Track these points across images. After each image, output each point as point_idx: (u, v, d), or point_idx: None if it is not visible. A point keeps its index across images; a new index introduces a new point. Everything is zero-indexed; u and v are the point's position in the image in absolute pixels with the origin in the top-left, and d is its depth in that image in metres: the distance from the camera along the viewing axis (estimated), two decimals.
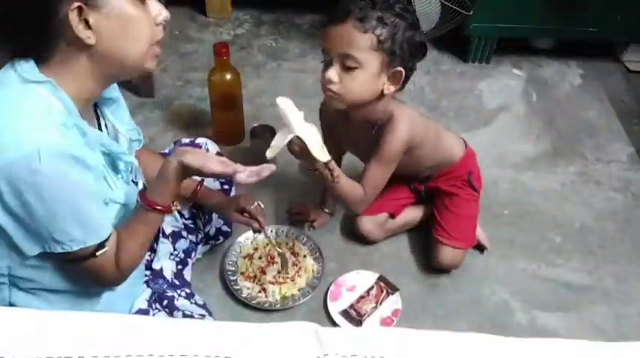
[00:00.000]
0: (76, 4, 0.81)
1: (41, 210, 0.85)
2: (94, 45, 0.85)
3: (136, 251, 1.03)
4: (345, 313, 1.38)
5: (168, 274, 1.28)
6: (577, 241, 1.60)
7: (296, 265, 1.45)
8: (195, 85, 2.03)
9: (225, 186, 1.46)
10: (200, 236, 1.42)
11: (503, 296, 1.45)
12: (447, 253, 1.45)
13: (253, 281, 1.41)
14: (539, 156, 1.86)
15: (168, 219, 1.33)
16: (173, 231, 1.33)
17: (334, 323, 1.36)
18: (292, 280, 1.42)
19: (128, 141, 1.09)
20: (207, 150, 1.43)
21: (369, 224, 1.51)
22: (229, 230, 1.52)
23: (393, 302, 1.40)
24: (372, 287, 1.42)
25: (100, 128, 1.03)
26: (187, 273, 1.37)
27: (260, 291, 1.40)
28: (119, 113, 1.08)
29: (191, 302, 1.27)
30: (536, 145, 1.90)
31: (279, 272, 1.42)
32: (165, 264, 1.29)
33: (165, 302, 1.22)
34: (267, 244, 1.47)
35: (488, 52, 2.23)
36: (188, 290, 1.31)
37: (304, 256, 1.48)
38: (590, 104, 2.10)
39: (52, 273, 0.98)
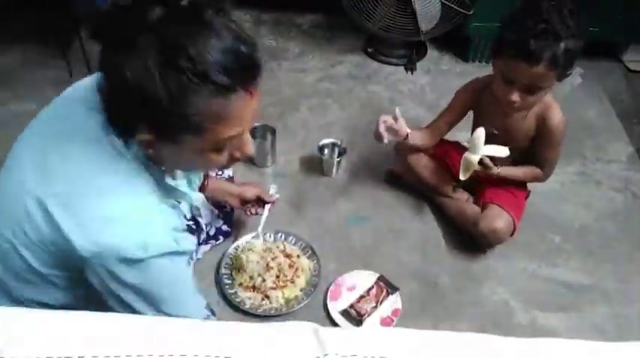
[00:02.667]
0: (146, 136, 0.78)
1: (135, 290, 0.84)
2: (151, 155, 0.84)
3: None
4: (345, 313, 1.38)
5: None
6: (577, 241, 1.61)
7: (292, 266, 1.45)
8: None
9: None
10: (202, 237, 1.42)
11: (503, 296, 1.46)
12: (495, 214, 1.46)
13: (253, 291, 1.40)
14: None
15: None
16: None
17: (334, 323, 1.36)
18: (292, 282, 1.41)
19: (184, 173, 1.03)
20: None
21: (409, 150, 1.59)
22: (229, 229, 1.52)
23: (393, 302, 1.40)
24: (372, 287, 1.42)
25: None
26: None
27: (263, 299, 1.39)
28: None
29: None
30: None
31: (277, 277, 1.42)
32: None
33: None
34: (265, 250, 1.46)
35: (488, 52, 2.22)
36: None
37: (298, 256, 1.47)
38: (590, 104, 2.10)
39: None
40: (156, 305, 0.87)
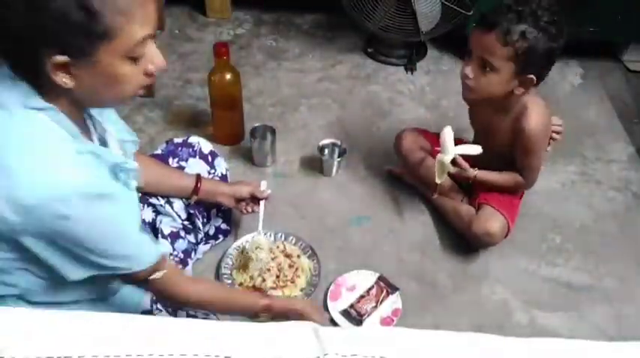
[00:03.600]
0: (60, 59, 0.75)
1: (77, 247, 0.83)
2: (72, 88, 0.80)
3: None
4: (345, 313, 1.38)
5: None
6: (577, 241, 1.61)
7: (292, 266, 1.45)
8: (195, 84, 2.03)
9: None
10: (200, 236, 1.42)
11: (504, 296, 1.46)
12: (488, 216, 1.45)
13: (253, 291, 1.40)
14: None
15: (166, 220, 1.34)
16: (171, 232, 1.33)
17: (334, 323, 1.36)
18: (292, 282, 1.41)
19: (120, 142, 1.02)
20: (200, 149, 1.43)
21: (410, 139, 1.63)
22: (229, 228, 1.52)
23: (393, 302, 1.40)
24: (372, 286, 1.42)
25: (89, 134, 0.98)
26: (188, 274, 1.37)
27: None
28: (106, 113, 1.01)
29: None
30: None
31: (277, 277, 1.42)
32: None
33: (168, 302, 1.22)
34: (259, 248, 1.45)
35: None
36: None
37: (298, 256, 1.47)
38: (590, 104, 2.10)
39: (72, 289, 0.95)
40: (103, 254, 0.86)
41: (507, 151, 1.43)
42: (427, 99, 2.08)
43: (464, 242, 1.56)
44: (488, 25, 1.24)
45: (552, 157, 1.86)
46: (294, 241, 1.51)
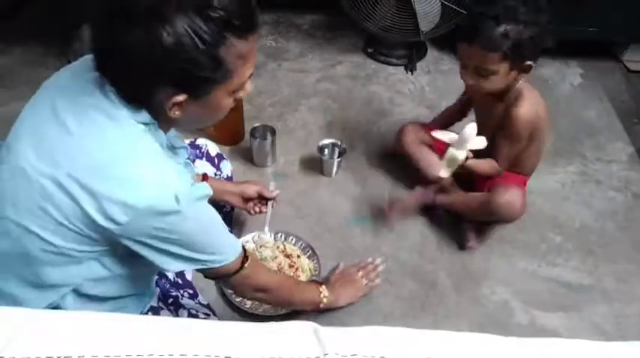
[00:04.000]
0: (181, 98, 0.82)
1: (180, 242, 0.89)
2: (175, 117, 0.87)
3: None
4: None
5: (169, 274, 1.28)
6: (577, 241, 1.61)
7: (292, 266, 1.45)
8: None
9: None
10: None
11: (504, 296, 1.46)
12: (505, 188, 1.43)
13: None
14: None
15: None
16: None
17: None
18: None
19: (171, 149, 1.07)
20: (207, 151, 1.44)
21: (411, 134, 1.64)
22: (230, 229, 1.52)
23: None
24: None
25: None
26: (188, 274, 1.37)
27: None
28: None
29: (195, 302, 1.28)
30: None
31: None
32: None
33: (170, 300, 1.22)
34: (263, 247, 1.46)
35: None
36: (191, 291, 1.31)
37: (298, 256, 1.47)
38: (590, 104, 2.10)
39: (122, 284, 1.00)
40: (201, 249, 0.93)
41: (494, 139, 1.42)
42: (427, 99, 2.08)
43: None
44: (469, 39, 1.25)
45: (552, 157, 1.86)
46: (294, 241, 1.51)
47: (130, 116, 0.84)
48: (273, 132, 1.75)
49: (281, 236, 1.52)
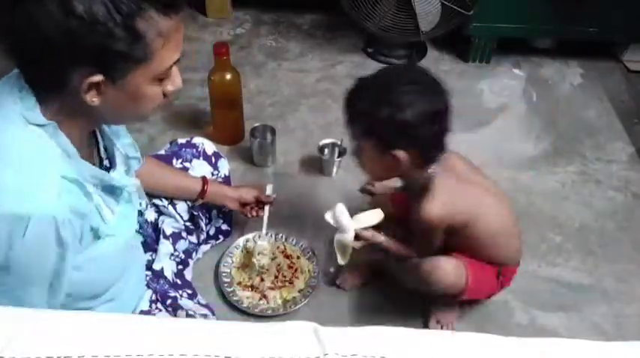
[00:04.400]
0: (97, 78, 0.77)
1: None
2: (96, 105, 0.81)
3: None
4: None
5: (168, 274, 1.28)
6: (577, 241, 1.61)
7: (291, 267, 1.45)
8: (195, 84, 2.03)
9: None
10: (202, 237, 1.42)
11: (503, 296, 1.45)
12: (448, 259, 1.24)
13: (252, 290, 1.40)
14: (539, 156, 1.87)
15: (168, 220, 1.34)
16: (173, 232, 1.34)
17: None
18: (291, 283, 1.41)
19: (124, 157, 1.03)
20: (204, 150, 1.43)
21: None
22: (229, 229, 1.52)
23: None
24: None
25: (97, 146, 1.00)
26: (188, 274, 1.37)
27: (261, 299, 1.39)
28: (116, 126, 1.03)
29: (194, 303, 1.28)
30: (536, 145, 1.90)
31: (276, 277, 1.42)
32: (166, 265, 1.29)
33: (168, 301, 1.22)
34: (259, 253, 1.45)
35: (488, 52, 2.23)
36: (190, 291, 1.31)
37: (298, 257, 1.47)
38: (590, 104, 2.10)
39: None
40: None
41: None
42: None
43: None
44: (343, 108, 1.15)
45: (552, 157, 1.86)
46: (294, 242, 1.51)
47: (24, 116, 0.79)
48: (273, 132, 1.74)
49: (281, 236, 1.51)
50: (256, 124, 1.75)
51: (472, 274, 1.24)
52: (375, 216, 1.20)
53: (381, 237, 1.25)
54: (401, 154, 1.11)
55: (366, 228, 1.22)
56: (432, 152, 1.15)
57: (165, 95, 0.87)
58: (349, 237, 1.19)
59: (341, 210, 1.19)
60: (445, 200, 1.16)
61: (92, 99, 0.80)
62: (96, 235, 0.90)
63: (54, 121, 0.81)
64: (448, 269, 1.22)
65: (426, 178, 1.17)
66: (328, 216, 1.21)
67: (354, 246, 1.22)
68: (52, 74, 0.78)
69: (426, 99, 1.10)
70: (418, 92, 1.10)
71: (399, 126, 1.08)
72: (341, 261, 1.23)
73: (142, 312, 1.18)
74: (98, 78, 0.77)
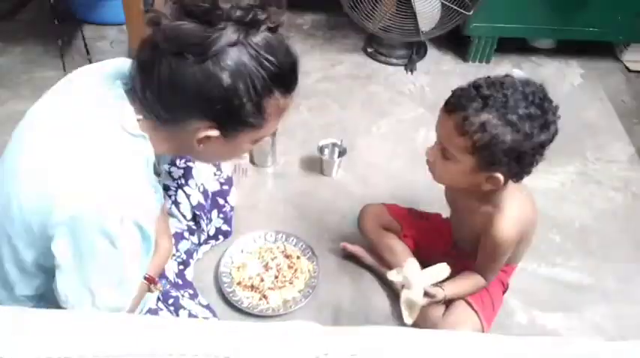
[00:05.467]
0: (213, 133, 0.87)
1: (91, 265, 0.85)
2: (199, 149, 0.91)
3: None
4: None
5: (170, 274, 1.29)
6: (577, 241, 1.61)
7: (291, 267, 1.45)
8: None
9: (225, 187, 1.46)
10: (203, 237, 1.42)
11: (503, 296, 1.45)
12: (460, 316, 1.24)
13: (252, 290, 1.40)
14: None
15: (171, 220, 1.34)
16: (176, 232, 1.34)
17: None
18: (291, 283, 1.41)
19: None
20: None
21: (370, 220, 1.46)
22: (229, 229, 1.52)
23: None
24: None
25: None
26: (189, 274, 1.37)
27: (261, 299, 1.39)
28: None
29: (195, 303, 1.28)
30: None
31: (276, 277, 1.42)
32: (167, 265, 1.29)
33: (170, 300, 1.22)
34: (265, 250, 1.46)
35: (488, 52, 2.23)
36: (191, 291, 1.31)
37: (297, 257, 1.47)
38: (590, 104, 2.10)
39: None
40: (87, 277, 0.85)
41: (478, 239, 1.20)
42: (427, 99, 2.08)
43: None
44: (449, 108, 1.04)
45: (552, 157, 1.85)
46: (294, 242, 1.51)
47: (121, 124, 0.86)
48: (273, 132, 1.74)
49: (282, 236, 1.51)
50: None
51: (486, 318, 1.26)
52: (443, 270, 1.15)
53: (442, 293, 1.17)
54: (500, 176, 1.05)
55: (433, 284, 1.16)
56: (523, 176, 1.09)
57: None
58: (419, 294, 1.13)
59: (412, 267, 1.13)
60: (517, 214, 1.13)
61: (198, 146, 0.90)
62: None
63: (147, 134, 0.88)
64: (465, 328, 1.21)
65: (499, 197, 1.12)
66: (394, 274, 1.16)
67: (423, 304, 1.14)
68: (176, 115, 0.87)
69: (547, 131, 1.04)
70: (542, 120, 1.03)
71: (519, 155, 1.02)
72: (408, 320, 1.15)
73: (150, 310, 1.18)
74: (214, 133, 0.88)
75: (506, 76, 1.06)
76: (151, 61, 0.83)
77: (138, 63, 0.86)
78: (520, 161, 1.03)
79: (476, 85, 1.03)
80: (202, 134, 0.87)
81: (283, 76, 0.87)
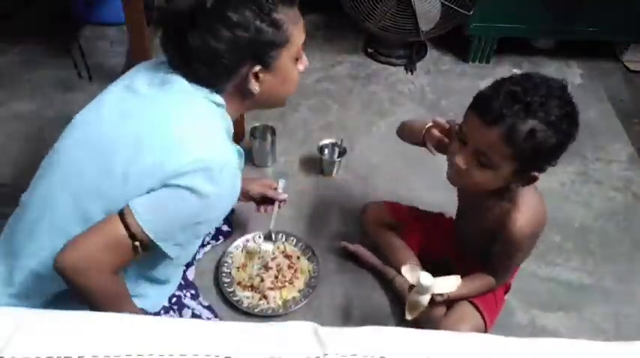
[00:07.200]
0: (257, 68, 0.98)
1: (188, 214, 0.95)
2: (257, 92, 1.02)
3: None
4: None
5: None
6: (577, 241, 1.61)
7: (291, 267, 1.44)
8: None
9: None
10: (207, 239, 1.42)
11: (503, 296, 1.45)
12: (463, 315, 1.24)
13: (252, 290, 1.40)
14: None
15: None
16: None
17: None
18: (291, 283, 1.41)
19: None
20: None
21: (371, 218, 1.48)
22: (229, 230, 1.52)
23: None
24: None
25: None
26: (190, 274, 1.37)
27: (261, 299, 1.39)
28: None
29: (196, 303, 1.28)
30: None
31: (276, 277, 1.42)
32: None
33: (173, 300, 1.22)
34: (260, 253, 1.46)
35: (488, 52, 2.23)
36: (193, 291, 1.31)
37: (298, 257, 1.47)
38: (590, 104, 2.10)
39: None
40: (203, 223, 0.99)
41: (488, 238, 1.19)
42: (427, 99, 2.08)
43: None
44: (491, 119, 0.99)
45: None
46: (294, 242, 1.51)
47: (206, 96, 0.98)
48: (273, 132, 1.75)
49: (282, 236, 1.51)
50: (256, 124, 1.76)
51: (489, 316, 1.26)
52: (454, 282, 1.14)
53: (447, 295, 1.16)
54: (538, 175, 1.06)
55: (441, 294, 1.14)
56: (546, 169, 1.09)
57: (299, 73, 1.08)
58: (426, 299, 1.12)
59: (426, 275, 1.11)
60: (533, 209, 1.13)
61: (255, 87, 1.00)
62: None
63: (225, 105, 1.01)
64: (469, 327, 1.22)
65: (518, 192, 1.12)
66: (407, 270, 1.14)
67: (424, 308, 1.15)
68: (226, 71, 0.98)
69: (576, 125, 1.03)
70: (574, 115, 1.03)
71: (553, 157, 1.05)
72: (408, 317, 1.16)
73: (163, 307, 1.19)
74: (257, 68, 0.98)
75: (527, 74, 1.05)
76: (181, 37, 0.93)
77: (175, 47, 0.97)
78: (555, 156, 1.06)
79: (510, 91, 0.99)
80: (251, 73, 0.98)
81: None
